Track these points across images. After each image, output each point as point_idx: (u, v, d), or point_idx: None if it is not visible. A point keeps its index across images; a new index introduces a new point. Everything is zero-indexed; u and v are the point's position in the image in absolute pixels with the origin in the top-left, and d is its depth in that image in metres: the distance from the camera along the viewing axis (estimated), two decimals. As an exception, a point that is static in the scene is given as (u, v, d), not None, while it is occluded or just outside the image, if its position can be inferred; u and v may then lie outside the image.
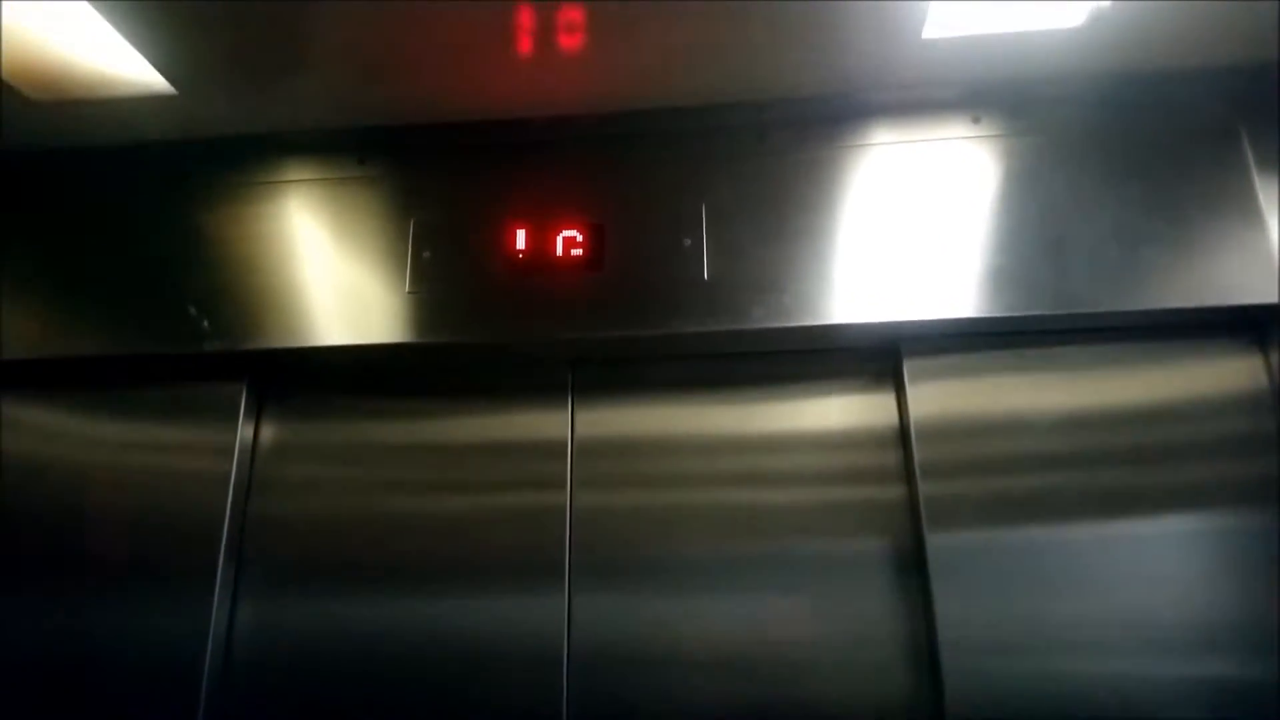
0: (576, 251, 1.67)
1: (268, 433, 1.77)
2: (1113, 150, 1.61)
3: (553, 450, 1.70)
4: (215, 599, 1.61)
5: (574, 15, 1.48)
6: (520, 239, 1.69)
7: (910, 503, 1.58)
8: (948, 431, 1.58)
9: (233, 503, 1.67)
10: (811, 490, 1.63)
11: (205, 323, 1.68)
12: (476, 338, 1.65)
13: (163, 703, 1.57)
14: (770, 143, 1.71)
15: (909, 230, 1.61)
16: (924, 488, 1.54)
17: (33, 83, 1.59)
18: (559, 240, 1.68)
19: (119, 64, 1.55)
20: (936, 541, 1.51)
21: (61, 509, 1.70)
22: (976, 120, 1.67)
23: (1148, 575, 1.47)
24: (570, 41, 1.54)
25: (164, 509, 1.67)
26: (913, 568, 1.55)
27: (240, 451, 1.70)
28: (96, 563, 1.66)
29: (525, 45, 1.54)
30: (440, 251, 1.70)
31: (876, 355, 1.67)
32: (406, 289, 1.68)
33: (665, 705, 1.53)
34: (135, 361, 1.72)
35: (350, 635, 1.62)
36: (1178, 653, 1.42)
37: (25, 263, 1.78)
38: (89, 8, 1.40)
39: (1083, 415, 1.56)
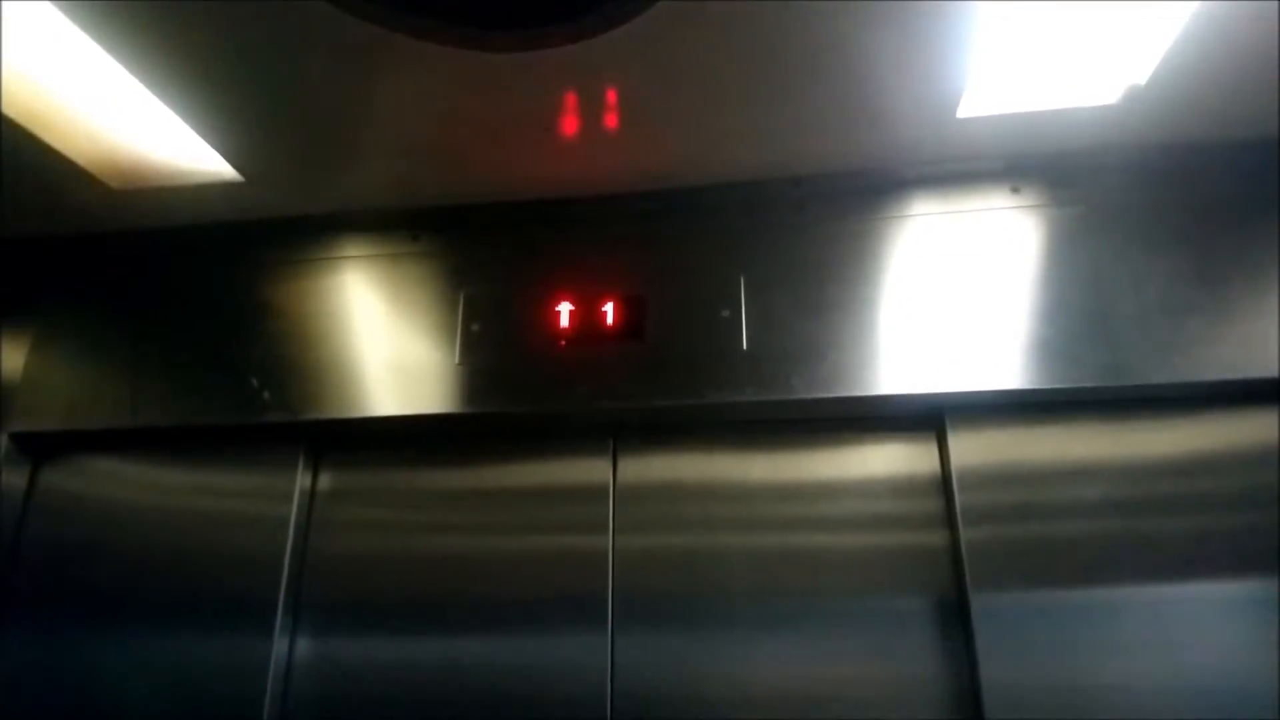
0: (618, 323, 1.72)
1: (325, 481, 1.84)
2: (1155, 220, 1.61)
3: (595, 495, 1.73)
4: (275, 637, 1.67)
5: (615, 99, 1.54)
6: (564, 311, 1.74)
7: (953, 557, 1.57)
8: (991, 494, 1.57)
9: (292, 546, 1.74)
10: (853, 539, 1.63)
11: (266, 394, 1.77)
12: (522, 408, 1.70)
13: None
14: (808, 215, 1.74)
15: (950, 301, 1.62)
16: (968, 544, 1.54)
17: (114, 173, 1.72)
18: (601, 312, 1.73)
19: (192, 155, 1.66)
20: (981, 600, 1.50)
21: (127, 552, 1.79)
22: (1016, 190, 1.68)
23: (1202, 639, 1.43)
24: (612, 123, 1.60)
25: (228, 553, 1.75)
26: (956, 622, 1.54)
27: (299, 498, 1.78)
28: (166, 602, 1.74)
29: (569, 128, 1.61)
30: (488, 324, 1.76)
31: (920, 425, 1.67)
32: (456, 360, 1.74)
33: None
34: (201, 430, 1.81)
35: (400, 673, 1.66)
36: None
37: (101, 338, 1.89)
38: (166, 109, 1.51)
39: (1130, 475, 1.54)
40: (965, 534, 1.54)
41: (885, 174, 1.72)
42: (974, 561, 1.52)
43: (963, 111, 1.52)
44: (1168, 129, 1.58)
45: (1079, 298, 1.58)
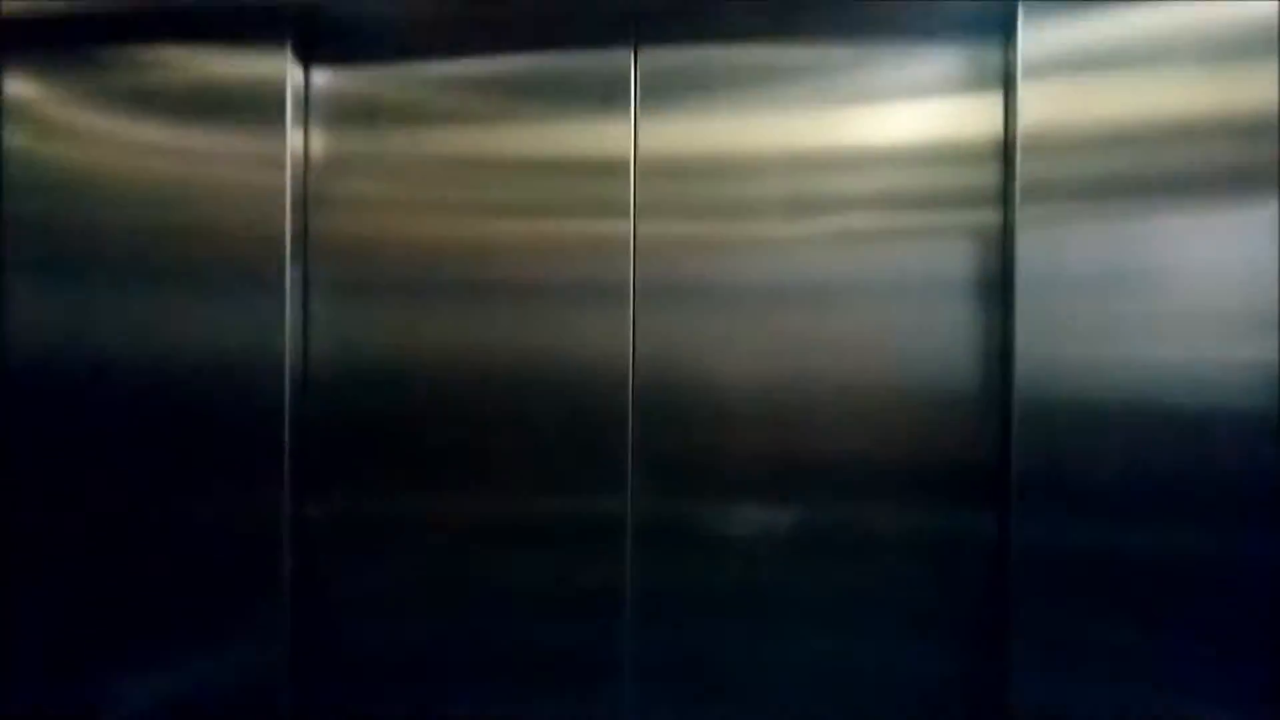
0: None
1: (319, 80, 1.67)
2: None
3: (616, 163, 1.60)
4: (287, 290, 1.61)
5: None
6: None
7: (1004, 184, 1.49)
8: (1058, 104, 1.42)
9: (292, 187, 1.63)
10: (892, 214, 1.54)
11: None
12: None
13: (250, 396, 1.62)
14: None
15: None
16: (1022, 179, 1.43)
17: None
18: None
19: None
20: (1027, 273, 1.43)
21: (112, 200, 1.66)
22: None
23: (1232, 262, 1.39)
24: None
25: (226, 198, 1.63)
26: (996, 297, 1.49)
27: (293, 103, 1.63)
28: (161, 256, 1.64)
29: None
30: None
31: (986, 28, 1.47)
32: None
33: (727, 422, 1.57)
34: (165, 18, 1.59)
35: (420, 346, 1.64)
36: (1250, 336, 1.38)
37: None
38: None
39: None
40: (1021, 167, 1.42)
41: None
42: (1025, 191, 1.42)
43: None
44: None
45: None
